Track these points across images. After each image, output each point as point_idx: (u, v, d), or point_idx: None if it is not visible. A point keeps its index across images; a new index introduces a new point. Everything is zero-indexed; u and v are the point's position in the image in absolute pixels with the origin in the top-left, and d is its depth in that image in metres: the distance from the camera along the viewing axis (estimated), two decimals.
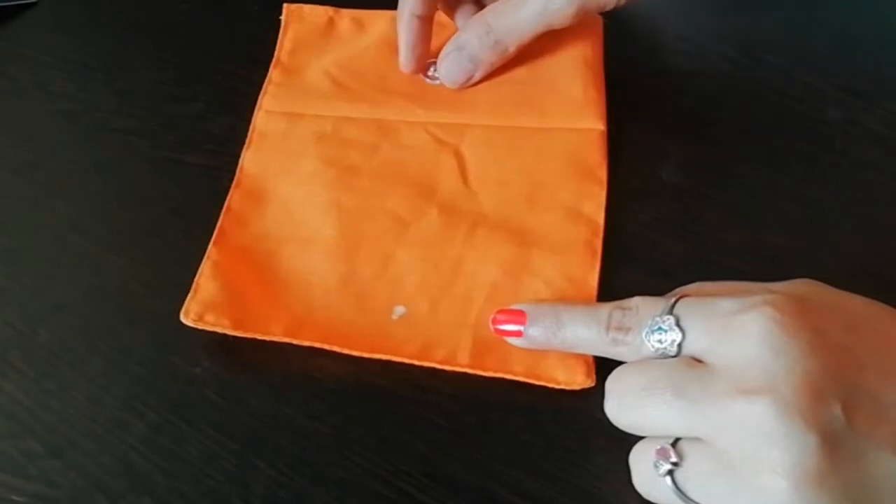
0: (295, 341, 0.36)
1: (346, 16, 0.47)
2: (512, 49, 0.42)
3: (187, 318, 0.36)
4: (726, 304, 0.30)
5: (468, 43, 0.42)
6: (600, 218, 0.39)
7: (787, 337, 0.28)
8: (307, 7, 0.48)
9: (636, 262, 0.38)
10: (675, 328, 0.30)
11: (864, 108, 0.43)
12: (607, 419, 0.31)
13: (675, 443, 0.29)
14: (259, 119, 0.43)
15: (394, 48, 0.44)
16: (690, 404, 0.28)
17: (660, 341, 0.30)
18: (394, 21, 0.44)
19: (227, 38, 0.49)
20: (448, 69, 0.43)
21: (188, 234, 0.39)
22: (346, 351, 0.35)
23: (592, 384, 0.34)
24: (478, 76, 0.43)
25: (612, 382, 0.31)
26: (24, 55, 0.49)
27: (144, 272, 0.39)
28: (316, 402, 0.35)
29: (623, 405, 0.31)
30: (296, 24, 0.47)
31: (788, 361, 0.27)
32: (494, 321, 0.35)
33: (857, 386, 0.27)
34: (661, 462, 0.29)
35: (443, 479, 0.33)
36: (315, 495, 0.32)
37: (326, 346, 0.35)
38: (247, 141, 0.43)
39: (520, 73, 0.44)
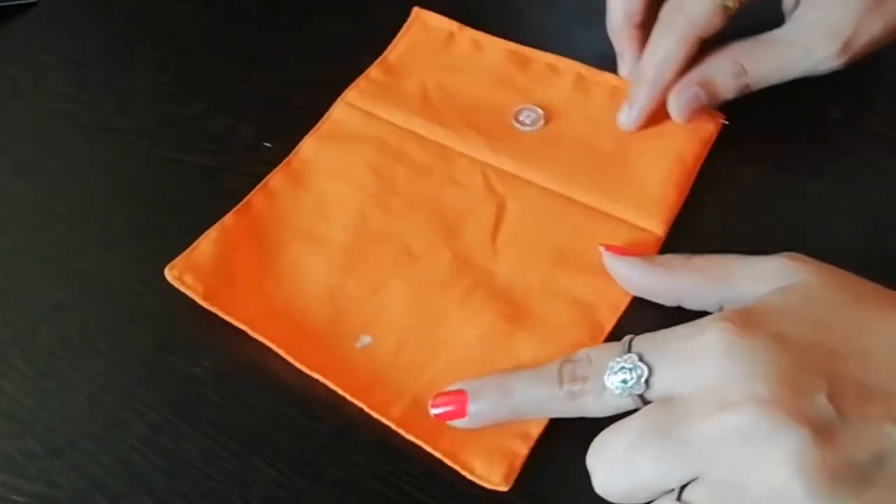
0: (250, 332, 0.35)
1: (468, 35, 0.46)
2: (754, 90, 0.40)
3: (171, 271, 0.37)
4: (683, 331, 0.29)
5: (716, 82, 0.40)
6: (609, 325, 0.35)
7: (751, 346, 0.27)
8: (435, 17, 0.47)
9: None
10: (640, 364, 0.29)
11: (864, 107, 0.43)
12: None
13: (678, 497, 0.28)
14: (337, 109, 0.44)
15: (498, 79, 0.44)
16: (681, 444, 0.27)
17: (624, 381, 0.29)
18: (511, 53, 0.45)
19: (227, 38, 0.49)
20: (685, 105, 0.40)
21: (188, 234, 0.39)
22: (290, 360, 0.35)
23: (506, 489, 0.32)
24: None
25: (594, 456, 0.30)
26: (24, 55, 0.49)
27: (144, 272, 0.39)
28: (316, 402, 0.35)
29: (614, 474, 0.29)
30: (418, 29, 0.47)
31: (760, 367, 0.27)
32: (433, 405, 0.33)
33: (838, 374, 0.27)
34: None
35: (443, 479, 0.33)
36: (315, 495, 0.32)
37: (275, 349, 0.35)
38: (316, 126, 0.43)
39: (609, 144, 0.41)
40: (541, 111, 0.43)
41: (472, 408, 0.32)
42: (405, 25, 0.47)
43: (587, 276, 0.37)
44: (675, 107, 0.40)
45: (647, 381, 0.29)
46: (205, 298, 0.37)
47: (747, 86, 0.40)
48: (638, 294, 0.36)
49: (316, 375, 0.34)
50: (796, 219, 0.40)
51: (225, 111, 0.45)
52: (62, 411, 0.35)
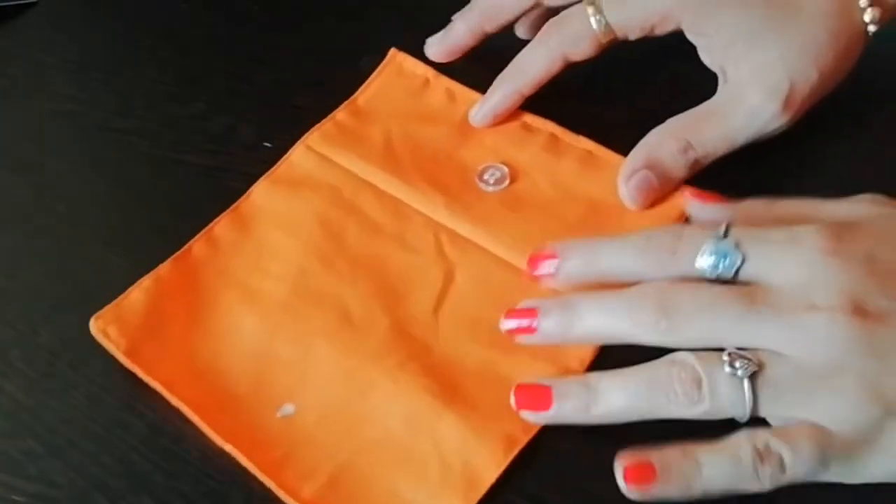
0: (166, 395, 0.34)
1: (442, 84, 0.44)
2: (705, 164, 0.38)
3: (96, 322, 0.36)
4: (778, 234, 0.31)
5: (665, 162, 0.38)
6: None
7: (841, 262, 0.29)
8: (411, 61, 0.45)
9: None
10: (736, 251, 0.30)
11: (863, 108, 0.43)
12: None
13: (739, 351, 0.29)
14: (296, 152, 0.42)
15: (468, 133, 0.42)
16: (761, 316, 0.29)
17: (716, 265, 0.30)
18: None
19: (227, 38, 0.49)
20: (636, 190, 0.38)
21: (188, 234, 0.39)
22: (206, 430, 0.33)
23: None
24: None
25: (659, 296, 0.30)
26: (24, 55, 0.49)
27: (144, 272, 0.38)
28: None
29: (684, 320, 0.30)
30: (392, 72, 0.45)
31: (846, 283, 0.29)
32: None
33: None
34: (743, 365, 0.29)
35: None
36: None
37: (189, 415, 0.34)
38: (273, 167, 0.41)
39: (573, 214, 0.39)
40: (506, 170, 0.40)
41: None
42: (380, 66, 0.45)
43: (531, 360, 0.34)
44: (626, 192, 0.38)
45: (737, 270, 0.30)
46: (126, 354, 0.35)
47: (697, 161, 0.38)
48: None
49: (228, 447, 0.33)
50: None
51: (225, 111, 0.45)
52: (62, 411, 0.35)
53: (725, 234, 0.31)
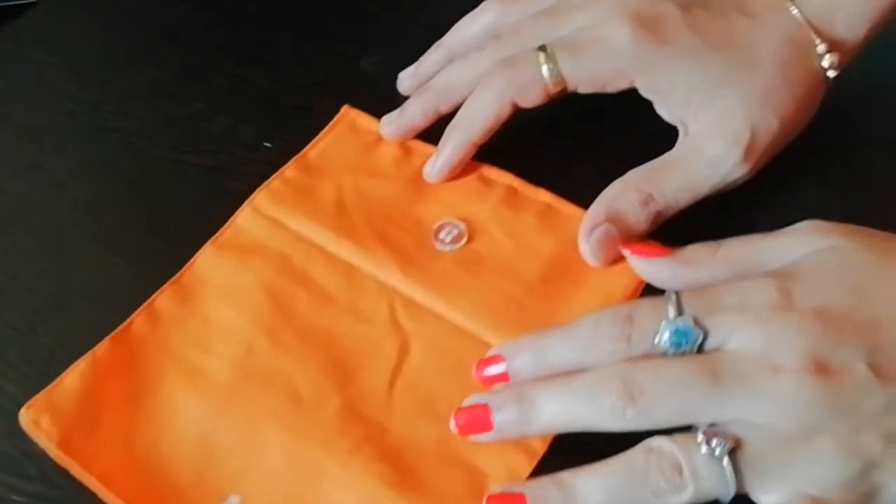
0: (102, 490, 0.32)
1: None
2: (668, 217, 0.37)
3: (27, 412, 0.33)
4: (731, 298, 0.30)
5: (626, 215, 0.37)
6: None
7: (795, 325, 0.29)
8: (364, 117, 0.43)
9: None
10: (695, 329, 0.30)
11: (864, 107, 0.43)
12: None
13: (711, 427, 0.29)
14: (242, 214, 0.40)
15: (423, 189, 0.40)
16: (727, 389, 0.28)
17: (678, 344, 0.30)
18: None
19: (227, 38, 0.49)
20: (597, 245, 0.36)
21: (188, 234, 0.39)
22: None
23: None
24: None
25: (622, 379, 0.29)
26: (24, 55, 0.49)
27: (144, 272, 0.38)
28: None
29: (651, 403, 0.29)
30: (344, 128, 0.43)
31: (807, 339, 0.29)
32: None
33: (878, 343, 0.29)
34: (720, 443, 0.28)
35: None
36: None
37: None
38: (218, 232, 0.39)
39: (533, 273, 0.37)
40: (463, 227, 0.39)
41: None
42: (331, 123, 0.43)
43: (488, 444, 0.32)
44: (587, 248, 0.37)
45: (700, 345, 0.30)
46: (59, 446, 0.33)
47: (659, 213, 0.37)
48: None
49: None
50: (796, 218, 0.39)
51: (225, 111, 0.45)
52: None
53: (679, 310, 0.30)
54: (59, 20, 0.51)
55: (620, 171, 0.40)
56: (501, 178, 0.40)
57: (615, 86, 0.39)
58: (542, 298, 0.36)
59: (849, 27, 0.38)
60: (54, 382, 0.34)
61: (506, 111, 0.39)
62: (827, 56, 0.38)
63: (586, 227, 0.37)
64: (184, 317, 0.36)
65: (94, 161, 0.44)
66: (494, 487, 0.31)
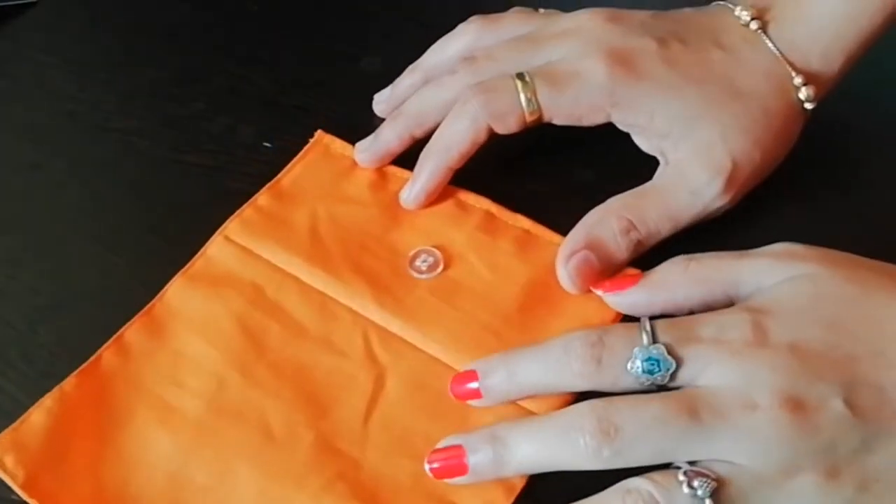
0: None
1: None
2: (650, 247, 0.37)
3: None
4: (707, 330, 0.30)
5: (606, 242, 0.36)
6: None
7: (768, 361, 0.29)
8: (339, 143, 0.42)
9: (635, 261, 0.38)
10: (669, 357, 0.30)
11: (863, 108, 0.43)
12: None
13: (692, 465, 0.29)
14: (213, 245, 0.39)
15: (399, 216, 0.39)
16: (706, 427, 0.28)
17: (650, 372, 0.29)
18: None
19: (227, 38, 0.49)
20: (575, 272, 0.36)
21: (188, 234, 0.39)
22: None
23: None
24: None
25: (597, 416, 0.29)
26: (24, 55, 0.49)
27: (144, 272, 0.39)
28: None
29: (628, 444, 0.28)
30: (318, 154, 0.42)
31: (782, 376, 0.28)
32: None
33: (854, 379, 0.29)
34: (703, 484, 0.28)
35: None
36: None
37: None
38: (189, 263, 0.38)
39: (510, 301, 0.36)
40: (439, 255, 0.38)
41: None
42: (304, 148, 0.42)
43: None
44: (565, 275, 0.36)
45: (672, 374, 0.30)
46: (24, 487, 0.32)
47: (640, 242, 0.37)
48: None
49: None
50: (796, 219, 0.40)
51: (225, 111, 0.45)
52: None
53: (652, 337, 0.30)
54: (59, 20, 0.51)
55: (621, 172, 0.40)
56: (479, 203, 0.40)
57: (591, 120, 0.38)
58: (520, 328, 0.35)
59: (825, 61, 0.38)
60: (20, 419, 0.33)
61: (482, 136, 0.38)
62: (803, 89, 0.38)
63: (564, 254, 0.36)
64: (154, 350, 0.36)
65: (94, 161, 0.44)
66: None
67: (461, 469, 0.30)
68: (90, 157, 0.44)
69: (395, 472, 0.32)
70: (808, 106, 0.38)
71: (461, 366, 0.34)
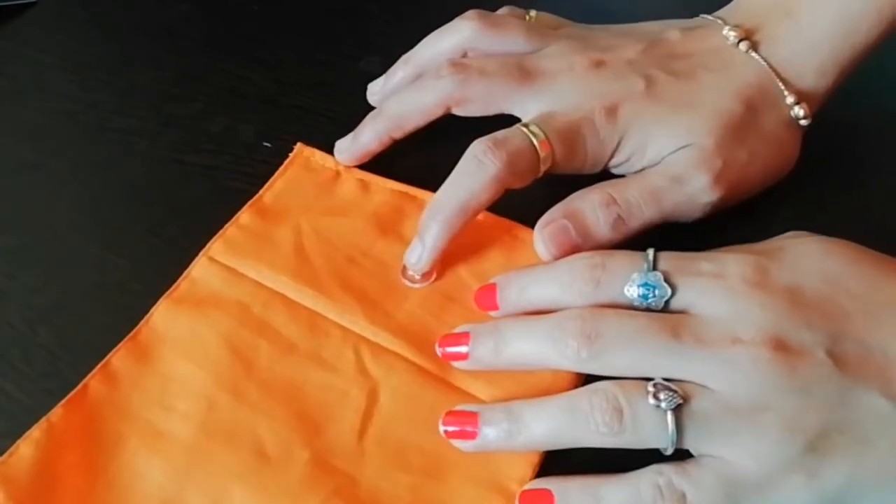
0: None
1: (354, 175, 0.41)
2: (634, 229, 0.36)
3: None
4: (705, 265, 0.31)
5: (585, 214, 0.36)
6: None
7: (767, 296, 0.30)
8: (319, 154, 0.42)
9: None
10: (664, 284, 0.31)
11: (864, 108, 0.43)
12: None
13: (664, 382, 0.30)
14: (198, 266, 0.38)
15: (385, 226, 0.39)
16: (686, 348, 0.29)
17: (644, 296, 0.31)
18: (401, 195, 0.40)
19: (227, 38, 0.49)
20: (550, 238, 0.36)
21: (188, 234, 0.39)
22: None
23: None
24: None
25: (583, 321, 0.30)
26: (24, 55, 0.49)
27: (144, 272, 0.39)
28: None
29: (606, 349, 0.30)
30: (299, 167, 0.42)
31: (771, 317, 0.29)
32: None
33: (842, 333, 0.29)
34: (668, 397, 0.29)
35: None
36: None
37: None
38: (174, 286, 0.37)
39: None
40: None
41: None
42: (286, 162, 0.42)
43: (467, 486, 0.32)
44: (539, 240, 0.36)
45: (667, 301, 0.31)
46: None
47: (621, 219, 0.36)
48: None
49: None
50: (796, 219, 0.39)
51: (225, 111, 0.45)
52: None
53: (654, 265, 0.31)
54: (59, 20, 0.51)
55: (620, 172, 0.40)
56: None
57: (591, 170, 0.39)
58: None
59: (820, 78, 0.39)
60: (8, 452, 0.33)
61: (499, 193, 0.36)
62: (796, 108, 0.38)
63: (542, 222, 0.36)
64: (141, 376, 0.35)
65: (94, 161, 0.44)
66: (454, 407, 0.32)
67: (465, 356, 0.33)
68: (90, 157, 0.44)
69: (393, 487, 0.32)
70: (803, 123, 0.39)
71: (454, 378, 0.34)
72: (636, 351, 0.30)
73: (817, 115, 0.39)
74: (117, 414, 0.34)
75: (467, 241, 0.38)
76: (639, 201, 0.36)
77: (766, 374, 0.29)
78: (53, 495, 0.32)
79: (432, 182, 0.40)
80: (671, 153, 0.37)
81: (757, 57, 0.39)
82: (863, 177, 0.41)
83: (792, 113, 0.38)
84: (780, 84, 0.38)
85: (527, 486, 0.31)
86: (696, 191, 0.37)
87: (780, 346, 0.29)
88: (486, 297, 0.35)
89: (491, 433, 0.31)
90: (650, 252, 0.32)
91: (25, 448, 0.33)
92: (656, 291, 0.31)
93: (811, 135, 0.40)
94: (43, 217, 0.41)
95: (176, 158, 0.43)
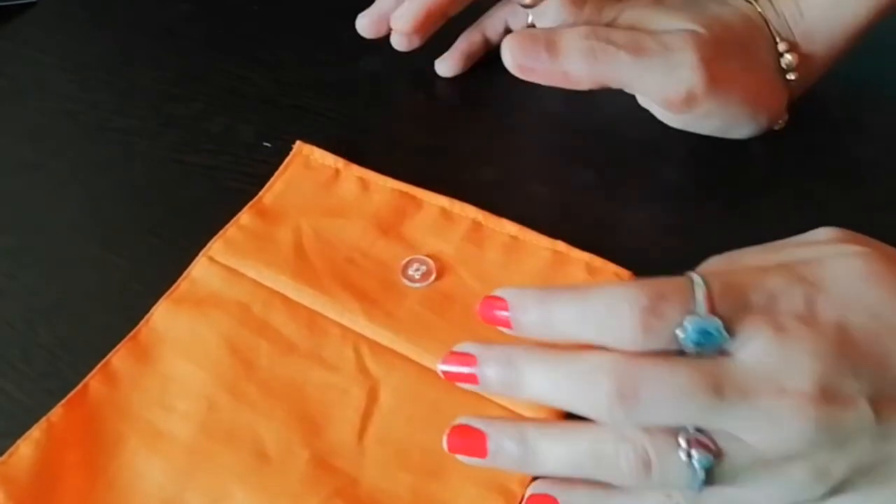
0: None
1: (354, 173, 0.41)
2: (602, 72, 0.37)
3: None
4: (756, 297, 0.28)
5: (561, 35, 0.36)
6: None
7: (812, 340, 0.28)
8: (318, 152, 0.42)
9: (635, 261, 0.38)
10: (724, 334, 0.27)
11: (864, 108, 0.43)
12: None
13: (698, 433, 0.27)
14: (198, 266, 0.38)
15: (385, 226, 0.39)
16: (728, 404, 0.27)
17: (699, 343, 0.27)
18: (401, 195, 0.40)
19: (227, 38, 0.49)
20: (518, 46, 0.36)
21: (188, 234, 0.39)
22: None
23: None
24: (542, 76, 0.37)
25: (617, 376, 0.27)
26: (24, 55, 0.49)
27: (144, 272, 0.39)
28: None
29: (643, 409, 0.27)
30: (298, 166, 0.42)
31: (817, 364, 0.27)
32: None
33: (885, 376, 0.28)
34: (701, 456, 0.27)
35: None
36: None
37: None
38: (173, 286, 0.37)
39: None
40: (431, 263, 0.37)
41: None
42: (286, 161, 0.42)
43: (468, 486, 0.31)
44: (507, 50, 0.37)
45: (720, 349, 0.27)
46: None
47: (593, 52, 0.37)
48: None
49: None
50: (796, 218, 0.39)
51: (225, 111, 0.45)
52: None
53: (714, 309, 0.27)
54: (59, 20, 0.51)
55: (621, 173, 0.40)
56: (465, 212, 0.39)
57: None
58: (512, 336, 0.34)
59: (809, 41, 0.39)
60: (7, 453, 0.32)
61: None
62: (787, 55, 0.38)
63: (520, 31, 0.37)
64: (141, 376, 0.35)
65: (94, 161, 0.44)
66: (460, 419, 0.29)
67: (472, 378, 0.29)
68: (90, 157, 0.44)
69: (394, 486, 0.32)
70: (791, 77, 0.39)
71: None
72: (675, 410, 0.27)
73: (822, 103, 0.40)
74: (117, 414, 0.34)
75: (467, 241, 0.38)
76: (620, 46, 0.37)
77: (806, 429, 0.27)
78: (53, 495, 0.32)
79: (432, 182, 0.40)
80: (669, 30, 0.38)
81: (757, 6, 0.39)
82: (863, 177, 0.41)
83: (783, 61, 0.39)
84: (772, 32, 0.39)
85: (531, 490, 0.30)
86: (679, 63, 0.37)
87: (827, 397, 0.27)
88: (493, 311, 0.30)
89: (502, 459, 0.28)
90: (700, 284, 0.28)
91: (25, 448, 0.33)
92: (713, 340, 0.27)
93: (811, 135, 0.40)
94: (43, 217, 0.41)
95: (176, 158, 0.43)
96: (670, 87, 0.37)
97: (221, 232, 0.39)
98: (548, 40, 0.37)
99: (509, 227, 0.38)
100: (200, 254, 0.39)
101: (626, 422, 0.27)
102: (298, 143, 0.42)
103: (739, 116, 0.39)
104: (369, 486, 0.32)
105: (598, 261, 0.37)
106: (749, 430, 0.27)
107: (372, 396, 0.34)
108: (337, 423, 0.33)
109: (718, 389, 0.27)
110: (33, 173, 0.43)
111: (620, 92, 0.40)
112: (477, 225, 0.39)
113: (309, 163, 0.42)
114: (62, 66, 0.48)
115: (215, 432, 0.33)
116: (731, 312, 0.28)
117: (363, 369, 0.35)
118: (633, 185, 0.41)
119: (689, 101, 0.37)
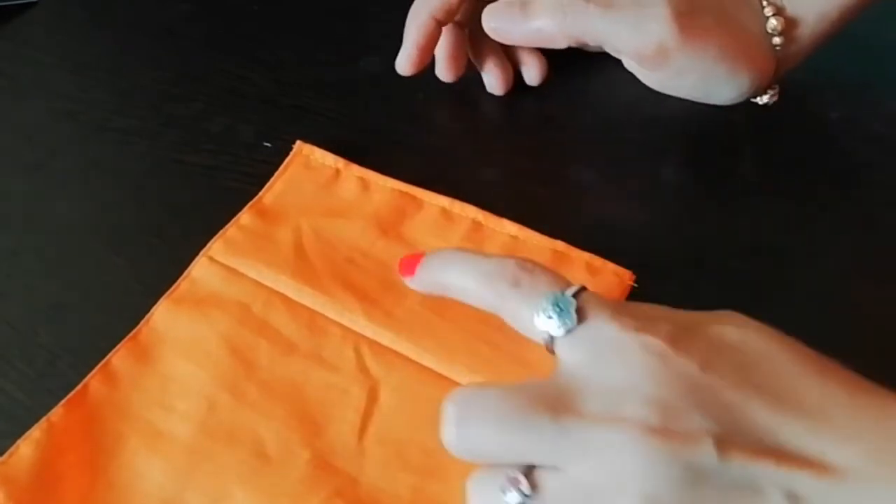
0: None
1: (354, 173, 0.41)
2: (572, 29, 0.38)
3: None
4: (627, 321, 0.28)
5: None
6: None
7: (669, 368, 0.26)
8: (319, 152, 0.42)
9: (635, 261, 0.38)
10: (573, 314, 0.28)
11: (864, 108, 0.43)
12: None
13: (526, 471, 0.27)
14: (198, 266, 0.38)
15: (385, 226, 0.39)
16: (560, 432, 0.26)
17: (550, 316, 0.28)
18: (401, 195, 0.40)
19: (227, 38, 0.49)
20: (494, 9, 0.39)
21: (188, 234, 0.39)
22: None
23: None
24: (518, 37, 0.40)
25: (461, 407, 0.27)
26: (24, 55, 0.49)
27: (144, 272, 0.39)
28: None
29: (473, 434, 0.27)
30: (299, 166, 0.42)
31: (664, 394, 0.26)
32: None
33: (736, 422, 0.26)
34: (510, 491, 0.26)
35: None
36: None
37: None
38: (173, 286, 0.38)
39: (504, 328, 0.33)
40: None
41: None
42: (286, 161, 0.42)
43: (464, 483, 0.31)
44: (486, 13, 0.40)
45: (569, 331, 0.28)
46: None
47: (561, 7, 0.38)
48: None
49: None
50: (796, 218, 0.40)
51: (225, 111, 0.45)
52: None
53: (577, 296, 0.28)
54: (59, 20, 0.51)
55: (621, 173, 0.40)
56: (465, 211, 0.39)
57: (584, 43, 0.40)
58: (511, 336, 0.33)
59: (797, 10, 0.39)
60: (7, 453, 0.32)
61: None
62: (772, 18, 0.38)
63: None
64: (141, 376, 0.35)
65: (94, 161, 0.44)
66: None
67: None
68: (90, 157, 0.44)
69: (394, 486, 0.32)
70: (777, 41, 0.39)
71: (454, 375, 0.34)
72: (509, 442, 0.27)
73: (821, 101, 0.39)
74: (117, 414, 0.34)
75: (467, 241, 0.38)
76: (591, 0, 0.38)
77: (640, 460, 0.25)
78: (53, 495, 0.32)
79: (432, 182, 0.40)
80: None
81: None
82: (863, 177, 0.41)
83: (768, 25, 0.38)
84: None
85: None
86: (649, 17, 0.37)
87: (666, 431, 0.25)
88: (409, 263, 0.33)
89: None
90: (580, 285, 0.29)
91: (25, 448, 0.33)
92: (564, 318, 0.28)
93: (811, 135, 0.40)
94: (43, 217, 0.41)
95: (176, 158, 0.43)
96: (641, 41, 0.38)
97: (221, 232, 0.39)
98: (522, 2, 0.39)
99: (509, 227, 0.38)
100: (200, 254, 0.38)
101: (459, 449, 0.27)
102: (298, 143, 0.42)
103: (716, 73, 0.39)
104: (369, 486, 0.32)
105: (598, 261, 0.37)
106: (571, 458, 0.26)
107: (372, 396, 0.34)
108: (337, 423, 0.33)
109: (557, 413, 0.26)
110: (33, 173, 0.43)
111: (620, 92, 0.40)
112: (477, 225, 0.39)
113: (309, 163, 0.42)
114: (62, 66, 0.48)
115: (215, 432, 0.33)
116: (594, 310, 0.28)
117: (363, 369, 0.35)
118: (633, 185, 0.41)
119: (660, 54, 0.38)
